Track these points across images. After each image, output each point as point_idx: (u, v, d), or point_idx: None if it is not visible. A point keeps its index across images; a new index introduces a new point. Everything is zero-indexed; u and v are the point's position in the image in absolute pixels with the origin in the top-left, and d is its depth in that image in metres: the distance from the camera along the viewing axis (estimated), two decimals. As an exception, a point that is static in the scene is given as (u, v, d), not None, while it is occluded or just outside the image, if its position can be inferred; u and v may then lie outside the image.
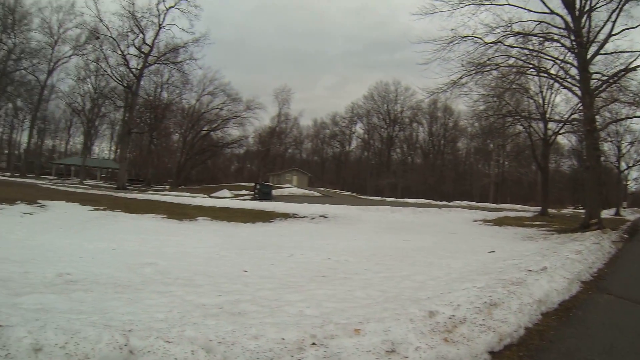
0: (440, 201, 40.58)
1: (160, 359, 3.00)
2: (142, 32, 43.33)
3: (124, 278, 6.91)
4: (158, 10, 42.77)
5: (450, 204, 36.39)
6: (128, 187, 43.13)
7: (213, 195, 37.00)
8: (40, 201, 19.56)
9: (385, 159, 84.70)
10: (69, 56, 52.92)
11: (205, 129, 71.39)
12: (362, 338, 3.63)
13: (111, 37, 43.05)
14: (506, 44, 20.65)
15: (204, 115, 70.16)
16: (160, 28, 43.71)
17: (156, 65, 48.44)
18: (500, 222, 20.86)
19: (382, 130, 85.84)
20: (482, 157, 76.82)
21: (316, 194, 44.82)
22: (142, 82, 47.98)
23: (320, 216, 19.91)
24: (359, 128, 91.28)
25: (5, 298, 4.78)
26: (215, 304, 5.22)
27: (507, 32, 20.26)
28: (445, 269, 7.96)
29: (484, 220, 21.11)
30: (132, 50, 44.68)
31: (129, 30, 42.76)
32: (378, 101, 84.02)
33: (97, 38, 44.80)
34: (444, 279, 6.73)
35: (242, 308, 4.97)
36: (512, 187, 68.27)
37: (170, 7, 42.79)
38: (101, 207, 20.04)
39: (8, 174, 53.32)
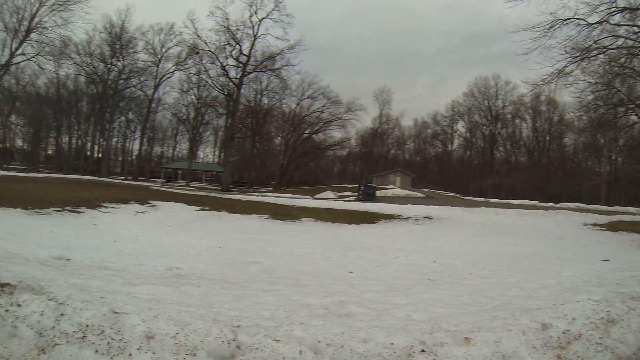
0: (547, 203, 38.67)
1: (267, 357, 3.17)
2: (239, 44, 49.51)
3: (231, 275, 7.47)
4: (251, 22, 48.70)
5: (557, 205, 34.38)
6: (232, 189, 47.62)
7: (317, 196, 38.97)
8: (151, 201, 22.01)
9: (488, 157, 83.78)
10: (172, 72, 64.98)
11: (307, 132, 76.92)
12: (472, 348, 3.59)
13: (210, 51, 50.16)
14: (612, 22, 19.50)
15: (305, 119, 75.93)
16: (255, 38, 49.52)
17: (255, 73, 54.57)
18: (614, 227, 19.48)
19: (484, 127, 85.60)
20: (592, 154, 72.28)
21: (419, 195, 45.66)
22: (242, 90, 53.65)
23: (425, 217, 20.28)
24: (460, 126, 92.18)
25: (121, 287, 5.38)
26: (321, 304, 5.43)
27: (612, 9, 19.02)
28: (556, 277, 7.67)
29: (595, 225, 19.97)
30: (231, 61, 51.15)
31: (226, 43, 49.34)
32: (478, 98, 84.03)
33: (197, 53, 52.63)
34: (555, 288, 6.51)
35: (348, 310, 5.12)
36: (626, 187, 60.89)
37: (263, 18, 48.45)
38: (207, 208, 22.24)
39: (122, 177, 63.14)
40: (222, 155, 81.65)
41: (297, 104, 75.29)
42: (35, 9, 30.86)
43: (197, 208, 22.08)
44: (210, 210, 21.78)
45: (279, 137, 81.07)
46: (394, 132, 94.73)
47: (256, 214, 20.98)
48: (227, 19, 48.11)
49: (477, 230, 17.41)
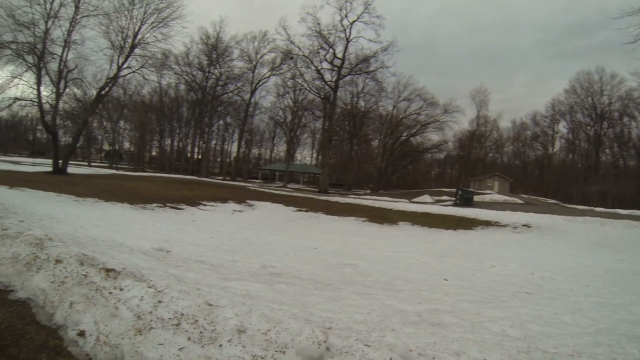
0: (661, 213, 33.11)
1: (356, 362, 3.14)
2: (332, 48, 50.39)
3: (325, 276, 7.51)
4: (343, 25, 49.21)
5: (675, 217, 29.29)
6: (330, 191, 48.31)
7: (414, 200, 38.21)
8: (248, 201, 22.89)
9: (592, 161, 75.46)
10: (268, 77, 68.87)
11: (405, 134, 76.13)
12: (572, 375, 3.25)
13: (304, 55, 51.72)
14: None
15: (402, 121, 75.31)
16: (348, 42, 49.92)
17: (350, 76, 54.78)
18: None
19: (588, 128, 77.31)
20: None
21: (518, 201, 43.49)
22: (338, 93, 54.25)
23: (523, 226, 19.33)
24: (562, 127, 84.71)
25: (216, 281, 5.61)
26: (414, 311, 5.32)
27: None
28: (672, 303, 6.84)
29: None
30: (325, 65, 52.20)
31: (319, 47, 50.53)
32: (581, 95, 76.11)
33: (291, 58, 54.78)
34: (669, 316, 5.81)
35: (441, 319, 4.97)
36: None
37: (353, 22, 48.75)
38: (304, 209, 22.77)
39: (221, 177, 66.29)
40: (319, 157, 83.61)
41: (394, 107, 75.40)
42: (137, 27, 33.92)
43: (294, 209, 22.65)
44: (307, 211, 22.24)
45: (376, 140, 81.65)
46: (491, 135, 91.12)
47: (353, 216, 21.17)
48: (319, 24, 49.24)
49: (579, 242, 16.25)
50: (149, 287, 3.93)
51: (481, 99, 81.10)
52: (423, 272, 9.04)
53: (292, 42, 51.86)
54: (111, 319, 3.54)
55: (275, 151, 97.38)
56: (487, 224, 19.85)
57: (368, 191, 65.80)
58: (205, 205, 19.75)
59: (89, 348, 3.28)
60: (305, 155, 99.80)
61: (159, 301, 3.68)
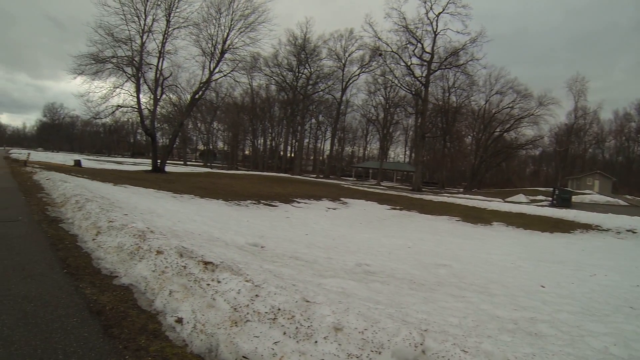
0: None
1: (452, 367, 3.02)
2: (420, 42, 49.65)
3: (419, 276, 7.42)
4: (429, 18, 48.31)
5: None
6: (423, 189, 47.63)
7: (508, 199, 37.01)
8: (342, 199, 23.17)
9: None
10: (358, 74, 69.65)
11: (498, 130, 72.09)
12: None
13: (392, 51, 51.39)
14: None
15: (495, 116, 71.69)
16: (435, 35, 48.90)
17: (440, 70, 53.97)
18: None
19: None
20: None
21: (621, 202, 40.53)
22: (429, 88, 53.12)
23: (628, 231, 17.84)
24: None
25: (311, 277, 5.67)
26: (510, 318, 5.09)
27: None
28: None
29: None
30: (415, 60, 51.46)
31: (407, 42, 50.03)
32: None
33: (380, 55, 54.73)
34: None
35: (539, 329, 4.72)
36: None
37: (439, 13, 47.65)
38: (397, 207, 22.84)
39: (314, 175, 67.68)
40: (412, 154, 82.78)
41: (486, 101, 72.27)
42: (225, 34, 36.28)
43: (388, 207, 22.71)
44: (400, 209, 22.21)
45: (469, 136, 78.97)
46: (591, 128, 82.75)
47: (447, 215, 20.93)
48: (404, 18, 48.72)
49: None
50: (246, 281, 4.05)
51: (579, 89, 73.77)
52: (518, 276, 8.73)
53: (379, 38, 52.00)
54: (208, 309, 3.68)
55: (368, 149, 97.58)
56: (586, 227, 18.68)
57: (461, 190, 63.82)
58: (299, 202, 20.22)
59: (185, 334, 3.43)
60: (399, 153, 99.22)
61: (256, 295, 3.77)
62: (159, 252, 4.99)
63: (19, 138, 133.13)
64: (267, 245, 8.40)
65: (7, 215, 8.18)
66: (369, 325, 3.38)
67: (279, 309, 3.53)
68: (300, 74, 71.44)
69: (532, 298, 6.55)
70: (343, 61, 69.28)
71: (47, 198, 10.80)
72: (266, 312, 3.49)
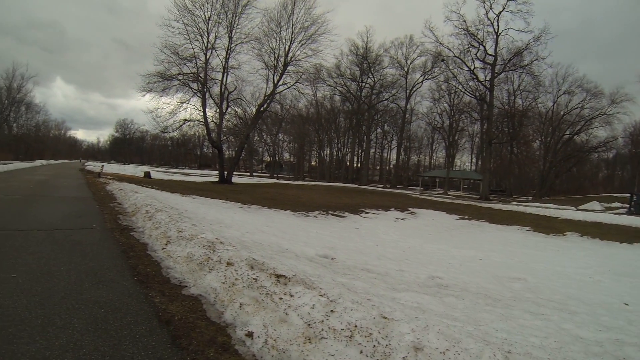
0: None
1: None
2: (482, 44, 47.87)
3: (494, 290, 7.08)
4: (489, 19, 46.60)
5: None
6: (490, 198, 46.24)
7: (581, 207, 35.24)
8: (410, 209, 22.80)
9: None
10: (421, 82, 68.69)
11: (568, 133, 66.96)
12: None
13: (454, 56, 50.07)
14: None
15: (564, 118, 66.74)
16: (497, 35, 47.13)
17: (504, 73, 51.95)
18: None
19: None
20: None
21: None
22: (494, 92, 51.16)
23: None
24: None
25: (385, 291, 5.44)
26: (595, 339, 4.75)
27: None
28: None
29: None
30: (478, 64, 49.76)
31: (469, 45, 48.45)
32: None
33: (442, 60, 53.48)
34: None
35: (627, 353, 4.37)
36: None
37: (500, 13, 45.85)
38: (466, 217, 22.23)
39: (380, 185, 67.46)
40: (479, 162, 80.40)
41: (554, 102, 67.74)
42: (287, 46, 36.99)
43: (456, 217, 22.17)
44: (469, 219, 21.63)
45: (537, 141, 74.55)
46: None
47: (517, 225, 20.22)
48: (464, 20, 47.42)
49: None
50: (321, 295, 3.89)
51: (654, 81, 67.99)
52: (598, 292, 8.15)
53: (440, 43, 50.95)
54: (280, 324, 3.55)
55: (434, 157, 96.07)
56: (670, 237, 17.11)
57: (530, 197, 60.79)
58: (367, 213, 20.03)
59: (256, 349, 3.31)
60: (465, 161, 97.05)
61: (331, 311, 3.60)
62: (229, 264, 4.93)
63: (93, 152, 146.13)
64: (338, 257, 8.26)
65: (82, 223, 8.53)
66: (451, 346, 3.16)
67: (356, 326, 3.34)
68: (363, 84, 71.32)
69: (616, 317, 6.08)
70: (405, 69, 68.58)
71: (119, 207, 11.22)
72: (342, 329, 3.30)
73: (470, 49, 48.89)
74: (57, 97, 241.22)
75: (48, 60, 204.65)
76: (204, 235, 6.36)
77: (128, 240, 7.06)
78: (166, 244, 6.49)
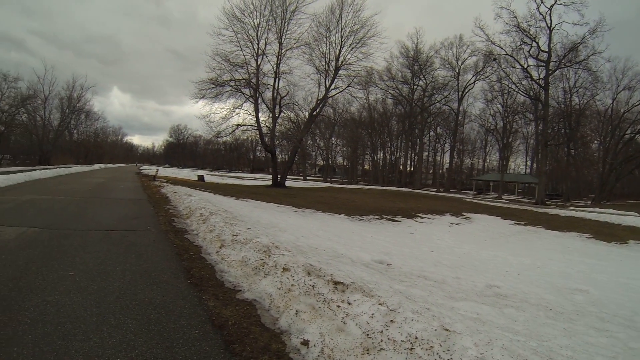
0: None
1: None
2: (534, 41, 45.96)
3: (554, 302, 6.72)
4: (541, 13, 44.78)
5: None
6: (547, 202, 44.71)
7: None
8: (464, 213, 22.23)
9: None
10: (473, 82, 67.04)
11: (629, 132, 59.15)
12: None
13: (506, 54, 48.55)
14: None
15: (625, 116, 60.12)
16: (550, 30, 45.12)
17: (559, 70, 49.60)
18: None
19: None
20: None
21: None
22: (549, 91, 48.99)
23: None
24: None
25: (443, 300, 5.23)
26: None
27: None
28: None
29: None
30: (531, 61, 47.92)
31: (521, 42, 46.75)
32: None
33: (494, 59, 52.08)
34: None
35: None
36: None
37: (552, 6, 43.93)
38: (522, 222, 21.46)
39: (434, 189, 66.22)
40: (534, 165, 77.54)
41: (613, 99, 61.74)
42: (337, 50, 37.09)
43: (512, 222, 21.46)
44: (525, 225, 20.90)
45: (595, 142, 69.73)
46: None
47: (576, 231, 19.26)
48: (515, 17, 45.68)
49: None
50: (380, 304, 3.73)
51: None
52: None
53: (491, 41, 49.74)
54: (337, 333, 3.43)
55: (487, 161, 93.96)
56: None
57: (588, 202, 57.03)
58: (421, 217, 19.69)
59: (311, 358, 3.21)
60: (519, 164, 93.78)
61: (391, 321, 3.43)
62: (285, 269, 4.86)
63: (148, 156, 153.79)
64: (394, 263, 8.08)
65: (138, 224, 8.75)
66: (516, 362, 2.91)
67: (417, 338, 3.16)
68: (415, 86, 70.66)
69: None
70: (457, 70, 67.52)
71: (173, 210, 11.46)
72: (402, 341, 3.14)
73: (523, 46, 47.33)
74: (114, 105, 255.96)
75: (105, 72, 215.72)
76: (259, 240, 6.33)
77: (182, 242, 7.15)
78: (220, 247, 6.50)
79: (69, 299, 4.08)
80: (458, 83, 68.13)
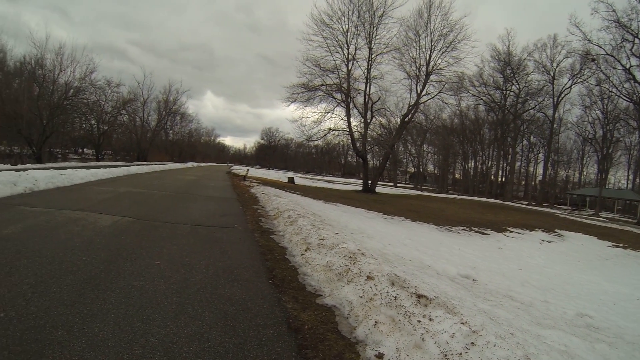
0: None
1: None
2: (637, 37, 40.11)
3: None
4: None
5: None
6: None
7: None
8: (557, 230, 20.90)
9: None
10: (569, 86, 60.87)
11: None
12: None
13: (606, 53, 43.43)
14: None
15: None
16: None
17: None
18: None
19: None
20: None
21: None
22: None
23: None
24: None
25: (529, 325, 4.84)
26: None
27: None
28: None
29: None
30: (634, 61, 42.08)
31: (622, 39, 41.04)
32: None
33: (593, 60, 47.33)
34: None
35: None
36: None
37: None
38: (621, 244, 19.65)
39: (525, 202, 62.65)
40: (637, 179, 70.56)
41: None
42: (428, 55, 36.23)
43: (610, 244, 19.72)
44: (625, 248, 19.10)
45: None
46: None
47: None
48: (614, 10, 39.99)
49: None
50: (462, 323, 3.52)
51: None
52: None
53: (588, 40, 44.61)
54: (415, 350, 3.29)
55: (584, 173, 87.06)
56: None
57: None
58: (511, 232, 18.80)
59: (383, 373, 3.05)
60: (620, 178, 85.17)
61: (472, 343, 3.24)
62: (369, 278, 4.76)
63: (239, 157, 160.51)
64: (479, 279, 7.74)
65: (225, 222, 9.03)
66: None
67: (498, 366, 2.93)
68: (508, 92, 66.23)
69: None
70: (551, 73, 61.23)
71: (261, 210, 11.71)
72: (488, 367, 2.92)
73: (624, 43, 41.47)
74: (207, 107, 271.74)
75: (199, 77, 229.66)
76: (346, 245, 6.28)
77: (268, 242, 7.28)
78: (305, 250, 6.54)
79: (153, 286, 4.32)
80: (553, 88, 62.23)
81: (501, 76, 65.54)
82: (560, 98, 62.53)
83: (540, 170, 77.29)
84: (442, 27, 35.12)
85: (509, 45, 63.62)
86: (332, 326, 3.88)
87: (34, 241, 5.65)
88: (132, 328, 3.29)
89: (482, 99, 68.52)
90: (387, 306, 4.04)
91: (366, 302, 4.24)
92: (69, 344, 2.91)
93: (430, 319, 3.62)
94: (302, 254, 6.44)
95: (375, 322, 3.81)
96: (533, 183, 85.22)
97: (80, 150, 54.49)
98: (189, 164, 63.88)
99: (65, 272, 4.50)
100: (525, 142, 76.06)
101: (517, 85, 64.83)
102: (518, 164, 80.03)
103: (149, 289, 4.22)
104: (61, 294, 3.85)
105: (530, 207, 44.70)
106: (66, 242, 5.80)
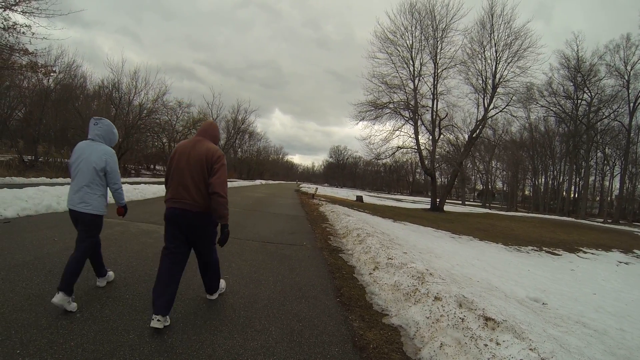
0: None
1: None
2: None
3: None
4: None
5: None
6: None
7: None
8: (636, 251, 19.49)
9: None
10: None
11: None
12: None
13: None
14: None
15: None
16: None
17: None
18: None
19: None
20: None
21: None
22: None
23: None
24: None
25: (602, 355, 4.42)
26: None
27: None
28: None
29: None
30: None
31: None
32: None
33: None
34: None
35: None
36: None
37: None
38: None
39: (600, 219, 57.61)
40: None
41: None
42: (494, 67, 35.02)
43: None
44: None
45: None
46: None
47: None
48: None
49: None
50: (530, 349, 3.36)
51: None
52: None
53: None
54: None
55: (667, 187, 78.59)
56: None
57: None
58: (585, 252, 17.68)
59: (446, 397, 2.97)
60: None
61: (540, 371, 3.07)
62: (436, 299, 4.71)
63: (308, 175, 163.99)
64: (550, 302, 7.34)
65: (294, 239, 9.15)
66: None
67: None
68: (579, 100, 59.98)
69: None
70: (626, 77, 54.47)
71: (330, 228, 11.75)
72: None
73: None
74: (275, 125, 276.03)
75: (267, 94, 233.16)
76: (414, 265, 6.22)
77: (336, 261, 7.32)
78: (374, 270, 6.52)
79: (222, 299, 4.51)
80: (628, 93, 55.44)
81: (571, 84, 59.87)
82: (637, 104, 55.94)
83: (616, 184, 71.14)
84: (506, 36, 34.31)
85: (577, 50, 58.14)
86: (397, 346, 3.87)
87: (110, 250, 6.01)
88: (199, 338, 3.48)
89: (552, 109, 63.65)
90: (453, 328, 3.97)
91: (433, 323, 4.20)
92: None
93: (498, 343, 3.51)
94: (370, 273, 6.44)
95: (441, 344, 3.76)
96: (609, 199, 78.66)
97: (152, 166, 57.41)
98: (258, 182, 65.42)
99: (138, 281, 4.83)
100: (599, 154, 69.09)
101: (588, 93, 58.90)
102: (592, 178, 73.98)
103: (217, 302, 4.44)
104: (133, 301, 4.15)
105: (606, 225, 41.81)
106: (140, 252, 6.12)
